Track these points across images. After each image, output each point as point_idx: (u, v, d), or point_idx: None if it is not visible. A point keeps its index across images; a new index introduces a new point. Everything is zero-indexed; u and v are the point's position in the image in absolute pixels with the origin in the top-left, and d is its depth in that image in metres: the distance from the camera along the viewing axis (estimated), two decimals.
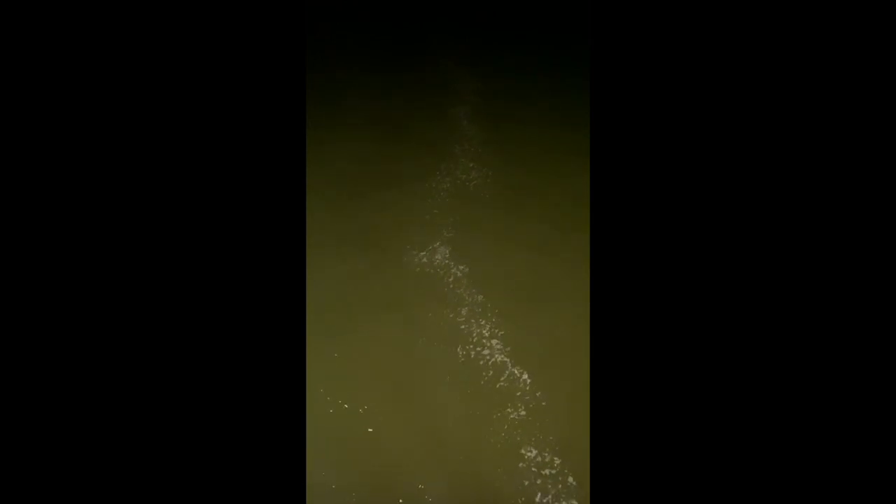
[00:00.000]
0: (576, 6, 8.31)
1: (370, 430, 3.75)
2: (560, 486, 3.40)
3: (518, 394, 3.96)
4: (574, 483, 3.42)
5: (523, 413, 3.82)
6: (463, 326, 4.46)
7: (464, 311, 4.58)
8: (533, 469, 3.49)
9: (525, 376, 4.07)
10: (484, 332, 4.41)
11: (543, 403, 3.89)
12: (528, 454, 3.56)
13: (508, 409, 3.84)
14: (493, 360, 4.20)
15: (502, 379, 4.08)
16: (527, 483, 3.42)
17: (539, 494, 3.38)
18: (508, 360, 4.19)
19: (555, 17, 8.63)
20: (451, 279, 4.89)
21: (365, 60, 7.96)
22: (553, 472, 3.47)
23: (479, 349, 4.28)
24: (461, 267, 4.99)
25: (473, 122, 6.69)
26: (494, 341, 4.32)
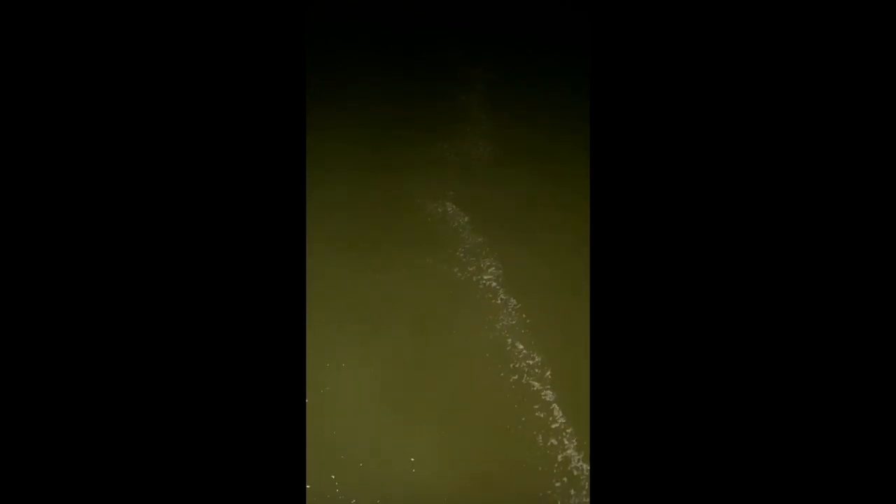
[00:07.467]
0: (576, 3, 9.17)
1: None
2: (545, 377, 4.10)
3: (505, 310, 4.66)
4: (550, 375, 4.11)
5: (513, 322, 4.52)
6: (463, 259, 5.18)
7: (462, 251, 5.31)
8: (520, 357, 4.18)
9: (513, 301, 4.78)
10: (481, 265, 5.12)
11: (528, 321, 4.59)
12: (518, 346, 4.26)
13: (501, 316, 4.55)
14: (489, 285, 4.90)
15: (493, 302, 4.79)
16: (512, 365, 4.11)
17: (519, 376, 4.07)
18: (500, 287, 4.90)
19: (556, 15, 9.58)
20: (455, 225, 5.61)
21: (370, 56, 8.72)
22: (537, 369, 4.17)
23: (476, 276, 4.99)
24: (464, 218, 5.72)
25: (479, 106, 7.53)
26: (492, 269, 5.04)
